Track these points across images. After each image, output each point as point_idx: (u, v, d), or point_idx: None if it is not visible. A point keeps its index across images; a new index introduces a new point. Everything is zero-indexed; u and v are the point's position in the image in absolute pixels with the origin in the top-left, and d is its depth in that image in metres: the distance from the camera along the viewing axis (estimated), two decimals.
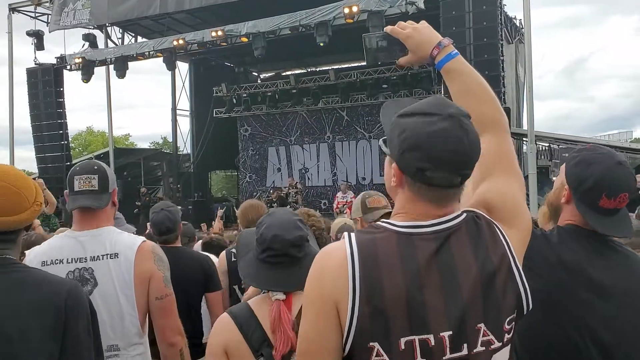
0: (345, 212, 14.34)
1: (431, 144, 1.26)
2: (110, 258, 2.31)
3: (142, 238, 2.47)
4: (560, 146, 15.91)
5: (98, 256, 2.30)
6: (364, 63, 19.62)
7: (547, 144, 14.56)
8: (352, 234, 1.34)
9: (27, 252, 2.40)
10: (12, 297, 1.60)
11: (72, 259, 2.30)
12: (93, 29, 18.37)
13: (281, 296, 1.87)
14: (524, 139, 13.30)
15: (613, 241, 1.86)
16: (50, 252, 2.34)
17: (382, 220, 1.39)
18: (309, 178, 19.87)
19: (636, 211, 4.98)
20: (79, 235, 2.37)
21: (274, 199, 15.99)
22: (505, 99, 12.19)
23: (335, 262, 1.29)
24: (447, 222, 1.32)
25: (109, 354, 2.23)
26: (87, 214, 2.38)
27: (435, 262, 1.27)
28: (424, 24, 1.59)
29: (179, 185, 21.68)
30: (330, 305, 1.27)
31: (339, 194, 15.49)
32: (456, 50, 1.53)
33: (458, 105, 1.35)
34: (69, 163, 18.25)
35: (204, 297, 3.54)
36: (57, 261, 2.30)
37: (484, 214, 1.38)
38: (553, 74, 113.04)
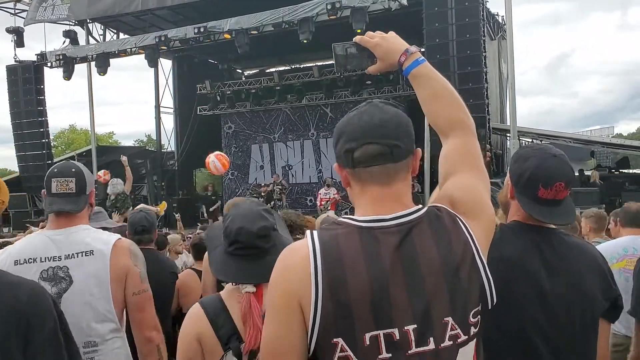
0: (328, 208, 14.38)
1: (350, 125, 1.40)
2: (85, 255, 2.31)
3: (118, 235, 2.47)
4: (542, 142, 16.07)
5: (73, 254, 2.30)
6: None
7: (530, 140, 14.69)
8: (315, 231, 1.35)
9: None
10: None
11: (45, 257, 2.30)
12: (74, 25, 18.17)
13: (251, 288, 1.86)
14: (507, 134, 13.42)
15: (558, 233, 1.96)
16: (23, 252, 2.33)
17: (343, 216, 1.42)
18: (293, 175, 19.83)
19: None
20: (52, 234, 2.37)
21: (262, 194, 15.99)
22: (488, 94, 12.25)
23: (297, 259, 1.31)
24: (409, 215, 1.34)
25: (87, 350, 2.25)
26: (63, 215, 2.39)
27: (398, 256, 1.28)
28: (392, 33, 1.64)
29: (163, 183, 21.56)
30: (294, 303, 1.28)
31: (322, 190, 15.50)
32: (423, 57, 1.58)
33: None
34: (50, 161, 18.02)
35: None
36: (30, 260, 2.29)
37: (446, 207, 1.40)
38: (536, 70, 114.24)
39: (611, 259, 3.56)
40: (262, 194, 16.07)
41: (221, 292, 1.96)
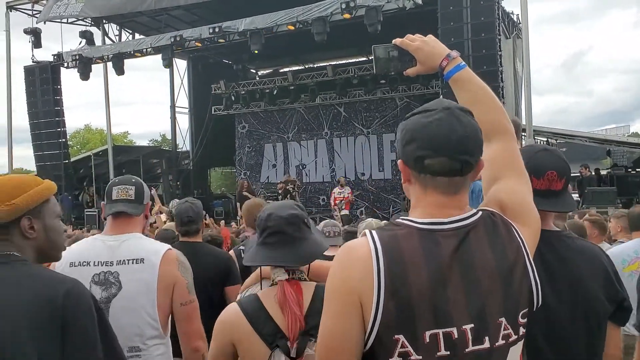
0: (343, 207, 14.38)
1: (426, 132, 1.36)
2: (136, 263, 2.40)
3: (168, 246, 2.56)
4: (558, 140, 15.96)
5: (124, 260, 2.39)
6: (362, 59, 19.64)
7: (545, 139, 14.60)
8: (374, 231, 1.38)
9: None
10: (5, 291, 1.58)
11: (98, 262, 2.40)
12: (90, 25, 18.34)
13: (283, 276, 1.90)
14: (522, 133, 13.32)
15: (561, 236, 1.97)
16: (79, 254, 2.43)
17: (401, 217, 1.44)
18: (306, 174, 19.86)
19: None
20: (107, 239, 2.47)
21: (279, 190, 16.04)
22: (503, 93, 12.18)
23: (359, 256, 1.33)
24: (466, 220, 1.38)
25: (131, 354, 2.33)
26: (120, 220, 2.50)
27: (456, 258, 1.32)
28: (431, 37, 1.67)
29: (178, 183, 21.70)
30: (355, 298, 1.30)
31: (336, 189, 15.49)
32: (464, 62, 1.62)
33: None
34: (66, 161, 18.25)
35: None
36: (84, 263, 2.40)
37: (499, 212, 1.44)
38: (551, 68, 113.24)
39: (623, 262, 3.56)
40: (279, 190, 16.10)
41: (258, 292, 1.97)
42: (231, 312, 1.92)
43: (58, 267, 2.35)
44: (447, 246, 1.33)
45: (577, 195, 12.86)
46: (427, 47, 1.63)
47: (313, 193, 19.65)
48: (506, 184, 1.52)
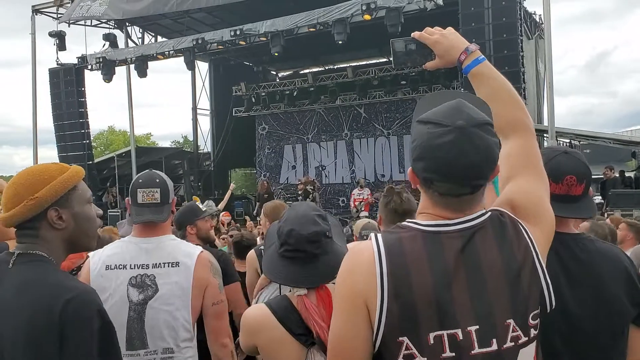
0: (362, 209, 14.34)
1: (434, 157, 1.31)
2: (172, 266, 2.44)
3: (200, 248, 2.60)
4: (581, 142, 15.72)
5: (160, 263, 2.43)
6: (382, 60, 19.59)
7: (568, 140, 14.38)
8: (379, 234, 1.39)
9: (90, 254, 2.50)
10: (13, 294, 1.54)
11: (134, 265, 2.43)
12: (113, 28, 18.58)
13: (302, 291, 1.88)
14: (545, 135, 13.17)
15: (580, 239, 1.91)
16: (114, 257, 2.46)
17: (407, 220, 1.43)
18: (326, 176, 19.87)
19: None
20: (140, 241, 2.50)
21: (299, 192, 16.07)
22: (525, 94, 12.07)
23: (363, 260, 1.34)
24: (472, 221, 1.36)
25: (164, 356, 2.39)
26: (150, 224, 2.51)
27: (461, 259, 1.31)
28: (450, 30, 1.64)
29: (199, 184, 21.87)
30: (361, 302, 1.32)
31: (355, 191, 15.47)
32: (483, 56, 1.58)
33: (477, 110, 1.35)
34: (90, 162, 18.47)
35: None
36: (120, 266, 2.43)
37: (508, 212, 1.42)
38: (575, 69, 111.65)
39: None
40: (299, 191, 16.13)
41: (287, 294, 1.96)
42: (259, 314, 1.90)
43: (93, 270, 2.41)
44: (451, 247, 1.32)
45: (600, 197, 12.67)
46: (446, 40, 1.60)
47: (332, 194, 19.65)
48: (520, 183, 1.48)
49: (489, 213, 1.39)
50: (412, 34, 1.64)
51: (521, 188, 1.47)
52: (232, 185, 13.69)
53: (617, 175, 13.64)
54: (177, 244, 2.55)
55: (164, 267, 2.43)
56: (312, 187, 16.21)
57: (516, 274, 1.32)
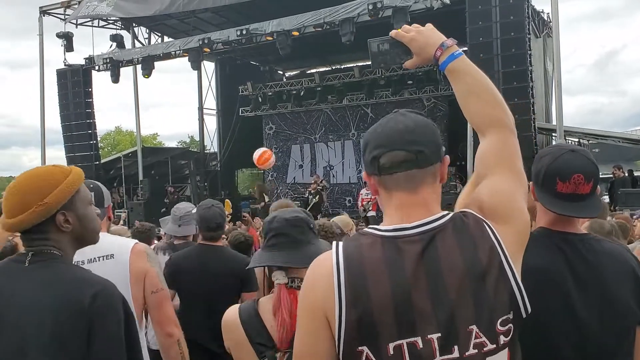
0: (369, 208, 14.31)
1: (376, 133, 1.41)
2: (107, 259, 2.44)
3: (135, 240, 2.64)
4: (590, 141, 15.65)
5: (94, 258, 2.41)
6: None
7: (576, 139, 14.32)
8: (340, 243, 1.37)
9: None
10: (35, 291, 1.58)
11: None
12: (120, 29, 18.64)
13: (282, 279, 1.83)
14: (553, 134, 13.13)
15: (587, 239, 1.88)
16: None
17: (369, 226, 1.42)
18: (333, 175, 19.87)
19: None
20: None
21: (312, 191, 16.06)
22: (533, 93, 11.99)
23: (322, 272, 1.33)
24: (432, 223, 1.33)
25: None
26: None
27: (421, 264, 1.27)
28: (429, 26, 1.57)
29: (206, 184, 21.88)
30: (321, 314, 1.30)
31: (363, 191, 15.41)
32: (460, 51, 1.51)
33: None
34: (98, 162, 18.57)
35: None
36: None
37: (473, 212, 1.37)
38: (583, 67, 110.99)
39: None
40: (312, 190, 16.12)
41: (261, 298, 1.93)
42: (231, 314, 1.88)
43: None
44: (410, 253, 1.28)
45: (607, 196, 12.58)
46: (422, 37, 1.54)
47: (340, 194, 19.64)
48: (490, 182, 1.43)
49: (451, 214, 1.36)
50: (390, 33, 1.59)
51: (492, 187, 1.42)
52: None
53: (626, 174, 13.54)
54: (110, 238, 2.55)
55: (99, 260, 2.41)
56: (321, 187, 16.22)
57: (480, 277, 1.26)
